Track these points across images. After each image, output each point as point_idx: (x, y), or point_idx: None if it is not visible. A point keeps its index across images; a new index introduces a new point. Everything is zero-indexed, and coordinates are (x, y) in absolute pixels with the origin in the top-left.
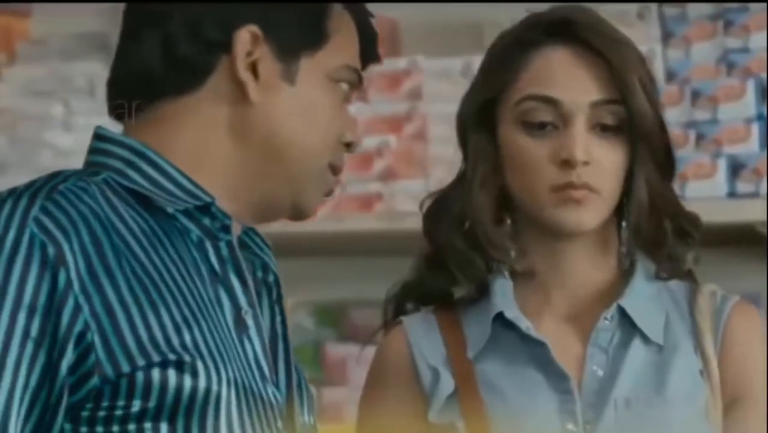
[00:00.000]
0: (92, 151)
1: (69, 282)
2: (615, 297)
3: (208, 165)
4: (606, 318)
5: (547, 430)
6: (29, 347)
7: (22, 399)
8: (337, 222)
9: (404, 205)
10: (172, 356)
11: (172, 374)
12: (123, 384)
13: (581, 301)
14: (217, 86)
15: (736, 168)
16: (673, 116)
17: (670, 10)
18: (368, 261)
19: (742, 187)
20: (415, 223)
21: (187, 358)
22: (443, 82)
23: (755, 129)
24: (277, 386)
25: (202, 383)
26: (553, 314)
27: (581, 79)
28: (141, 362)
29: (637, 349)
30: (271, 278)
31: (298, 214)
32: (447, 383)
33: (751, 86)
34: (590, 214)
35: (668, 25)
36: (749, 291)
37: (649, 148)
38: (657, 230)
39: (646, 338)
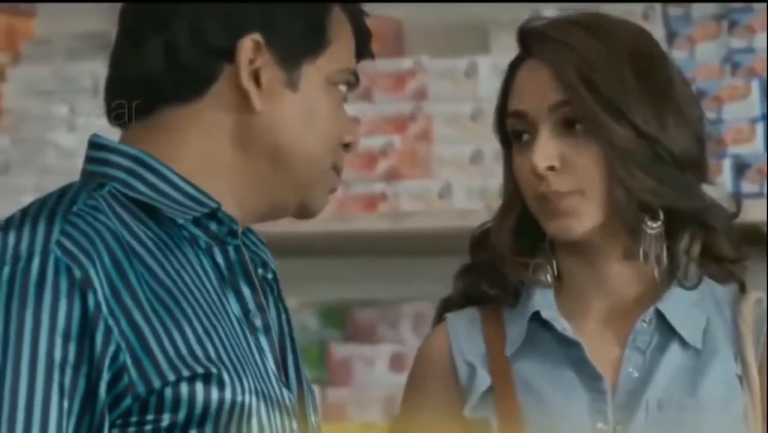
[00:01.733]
0: (91, 160)
1: (98, 304)
2: (654, 301)
3: (213, 173)
4: (644, 321)
5: (578, 429)
6: (69, 373)
7: (68, 428)
8: (342, 222)
9: (408, 205)
10: (199, 369)
11: (200, 386)
12: (152, 400)
13: (621, 305)
14: (220, 94)
15: (740, 168)
16: None
17: (675, 10)
18: (373, 261)
19: (747, 187)
20: (419, 223)
21: (213, 370)
22: (448, 83)
23: (760, 129)
24: (288, 386)
25: (228, 394)
26: (592, 317)
27: (541, 86)
28: (171, 377)
29: (674, 352)
30: (270, 275)
31: (305, 214)
32: (483, 380)
33: (755, 86)
34: (576, 220)
35: (672, 25)
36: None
37: (609, 143)
38: (680, 235)
39: (684, 342)
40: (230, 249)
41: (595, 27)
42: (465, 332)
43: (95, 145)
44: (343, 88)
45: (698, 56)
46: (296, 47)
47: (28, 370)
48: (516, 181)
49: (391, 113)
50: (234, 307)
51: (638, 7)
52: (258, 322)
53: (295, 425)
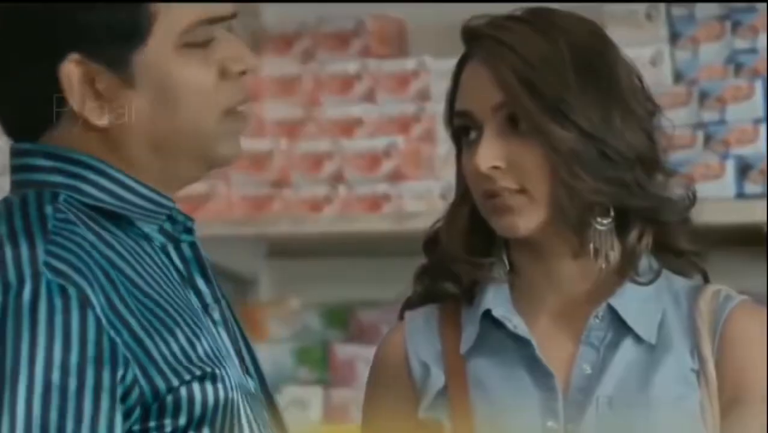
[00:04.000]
0: (25, 168)
1: (98, 320)
2: (608, 296)
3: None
4: (596, 317)
5: (529, 428)
6: (104, 398)
7: None
8: (345, 223)
9: (412, 205)
10: (197, 371)
11: (197, 387)
12: (154, 407)
13: (574, 301)
14: (72, 119)
15: (744, 169)
16: (681, 117)
17: (678, 10)
18: (376, 262)
19: (751, 188)
20: (422, 223)
21: (208, 369)
22: None
23: (763, 130)
24: (250, 375)
25: (221, 391)
26: (546, 313)
27: (484, 87)
28: (175, 382)
29: (627, 348)
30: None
31: (221, 165)
32: (437, 379)
33: (759, 87)
34: (521, 217)
35: (676, 25)
36: (757, 291)
37: (550, 145)
38: (632, 233)
39: (638, 337)
40: (185, 246)
41: (537, 23)
42: (421, 331)
43: (25, 152)
44: (202, 34)
45: (702, 57)
46: (116, 48)
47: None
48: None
49: (395, 114)
50: (194, 302)
51: (642, 8)
52: (216, 315)
53: (265, 413)
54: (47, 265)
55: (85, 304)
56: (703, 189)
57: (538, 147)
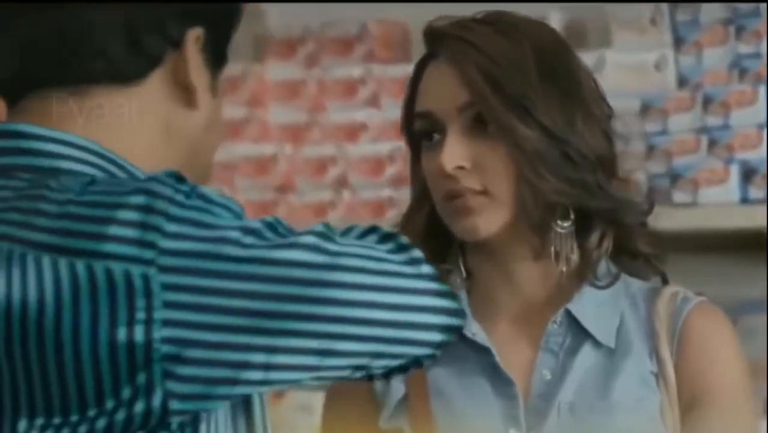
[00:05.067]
0: (35, 153)
1: None
2: (566, 301)
3: (138, 161)
4: (554, 322)
5: None
6: None
7: None
8: None
9: None
10: None
11: None
12: None
13: (533, 306)
14: (161, 83)
15: (748, 174)
16: (685, 122)
17: (682, 15)
18: None
19: (755, 193)
20: None
21: None
22: None
23: (767, 135)
24: None
25: None
26: (504, 319)
27: (448, 87)
28: None
29: (586, 352)
30: None
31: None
32: (397, 389)
33: (763, 92)
34: (483, 219)
35: (680, 30)
36: (762, 296)
37: (516, 143)
38: (591, 236)
39: (596, 342)
40: None
41: (500, 25)
42: None
43: (30, 135)
44: None
45: (706, 61)
46: (221, 55)
47: None
48: (423, 183)
49: (399, 118)
50: None
51: (646, 13)
52: None
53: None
54: (165, 175)
55: None
56: (707, 194)
57: (503, 147)
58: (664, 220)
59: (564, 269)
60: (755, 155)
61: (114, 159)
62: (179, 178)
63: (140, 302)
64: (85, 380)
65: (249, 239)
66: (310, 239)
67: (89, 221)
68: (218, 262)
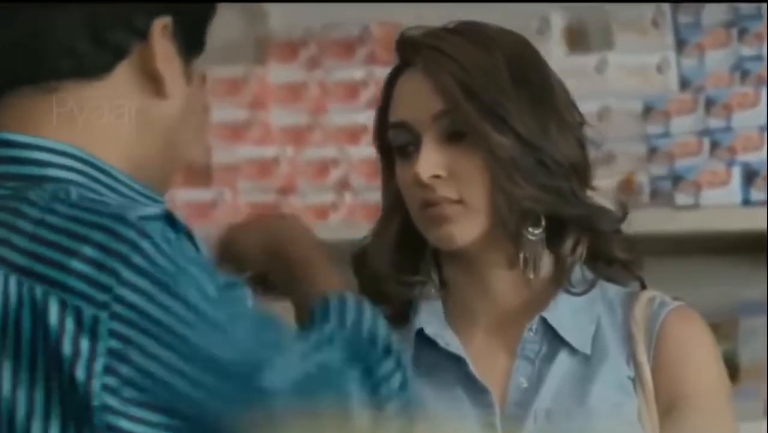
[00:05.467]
0: (14, 161)
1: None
2: (541, 308)
3: (112, 157)
4: (530, 330)
5: None
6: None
7: None
8: (351, 230)
9: None
10: None
11: None
12: None
13: (509, 314)
14: (129, 75)
15: (750, 176)
16: (687, 124)
17: (684, 17)
18: None
19: (756, 195)
20: None
21: None
22: None
23: None
24: None
25: None
26: (480, 327)
27: (423, 96)
28: None
29: (562, 359)
30: None
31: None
32: None
33: (765, 94)
34: (459, 228)
35: (682, 32)
36: (763, 298)
37: (490, 151)
38: (563, 242)
39: (572, 349)
40: None
41: (472, 34)
42: None
43: (17, 144)
44: None
45: (708, 64)
46: (194, 41)
47: None
48: (395, 194)
49: None
50: None
51: (648, 15)
52: None
53: None
54: (139, 218)
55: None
56: (709, 196)
57: (478, 156)
58: (666, 222)
59: (532, 276)
60: (757, 157)
61: (98, 164)
62: (171, 220)
63: (85, 343)
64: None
65: (201, 324)
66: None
67: (57, 248)
68: (167, 334)
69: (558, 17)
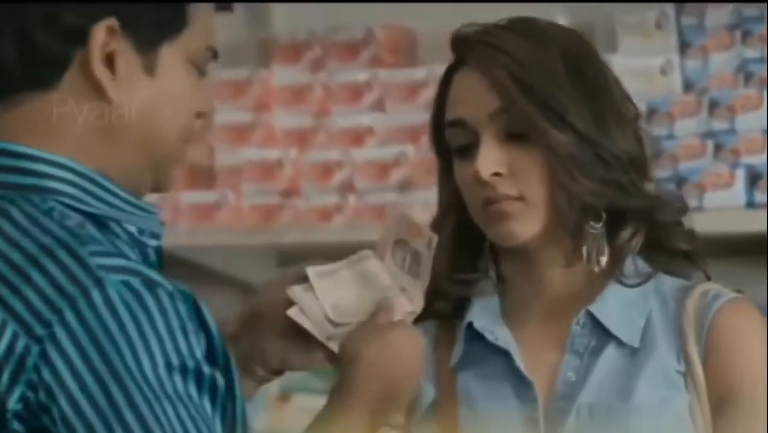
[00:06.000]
0: (7, 170)
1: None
2: (592, 301)
3: (95, 166)
4: (577, 324)
5: None
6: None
7: None
8: (355, 232)
9: (422, 215)
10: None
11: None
12: None
13: (561, 307)
14: (75, 82)
15: (754, 178)
16: (691, 126)
17: (688, 20)
18: None
19: (760, 197)
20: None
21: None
22: None
23: None
24: None
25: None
26: (533, 321)
27: (479, 94)
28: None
29: (609, 353)
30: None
31: (158, 190)
32: (427, 394)
33: None
34: (519, 224)
35: (686, 35)
36: (759, 301)
37: (550, 148)
38: (624, 235)
39: (620, 342)
40: (150, 251)
41: (525, 30)
42: None
43: (13, 153)
44: (203, 61)
45: (711, 66)
46: (154, 31)
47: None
48: (453, 192)
49: (405, 123)
50: None
51: (651, 17)
52: None
53: None
54: (101, 267)
55: (153, 285)
56: (712, 198)
57: (536, 152)
58: None
59: (596, 269)
60: (761, 160)
61: (90, 176)
62: (146, 280)
63: (10, 366)
64: None
65: (119, 398)
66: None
67: (17, 271)
68: (81, 395)
69: (562, 20)
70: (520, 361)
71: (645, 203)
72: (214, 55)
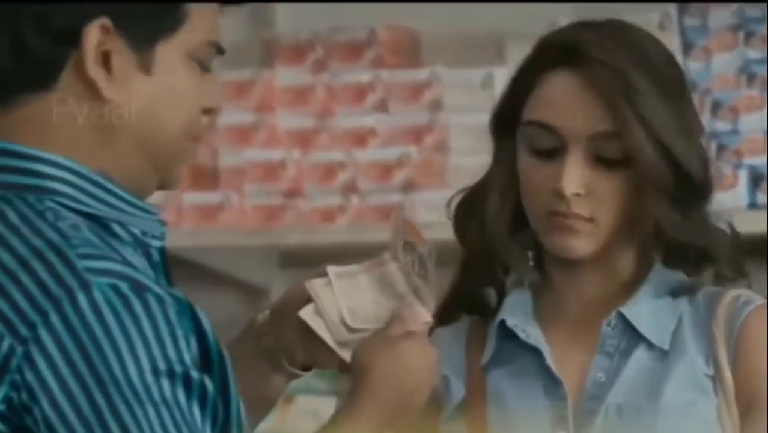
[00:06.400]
0: (15, 170)
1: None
2: (623, 302)
3: (83, 162)
4: (608, 324)
5: None
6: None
7: None
8: (358, 233)
9: (425, 216)
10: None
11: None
12: None
13: (594, 309)
14: (71, 82)
15: (756, 179)
16: None
17: (691, 20)
18: None
19: (762, 198)
20: (435, 233)
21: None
22: (464, 94)
23: None
24: None
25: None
26: (566, 322)
27: (583, 108)
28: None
29: (639, 355)
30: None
31: (164, 188)
32: (456, 392)
33: None
34: (583, 242)
35: (689, 35)
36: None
37: (651, 182)
38: (676, 255)
39: (650, 344)
40: (154, 251)
41: (634, 48)
42: (447, 345)
43: (12, 153)
44: (205, 57)
45: (714, 67)
46: (148, 29)
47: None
48: (511, 176)
49: (408, 124)
50: None
51: (654, 18)
52: None
53: None
54: (89, 270)
55: (141, 290)
56: (715, 199)
57: (620, 179)
58: None
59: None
60: (763, 161)
61: (89, 176)
62: (134, 284)
63: None
64: None
65: (101, 401)
66: None
67: (5, 272)
68: (63, 397)
69: (565, 20)
70: (550, 360)
71: (707, 243)
72: (219, 50)
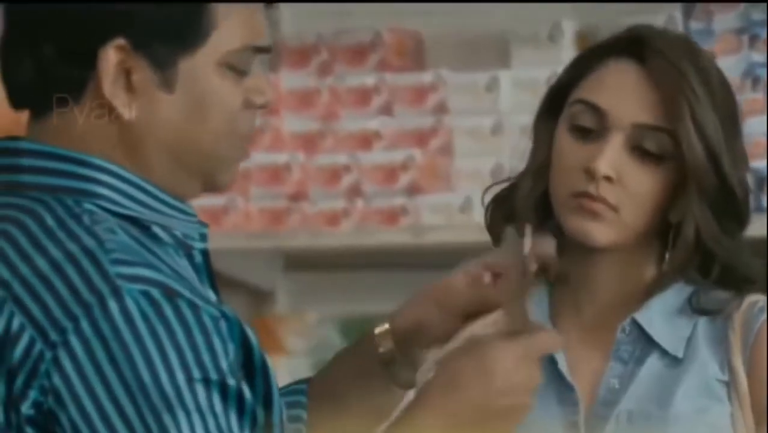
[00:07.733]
0: (49, 172)
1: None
2: (638, 308)
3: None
4: (623, 331)
5: None
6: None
7: None
8: (363, 236)
9: (429, 219)
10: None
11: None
12: None
13: (610, 314)
14: (95, 102)
15: (760, 182)
16: None
17: (696, 24)
18: (393, 275)
19: (766, 201)
20: (440, 236)
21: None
22: (468, 97)
23: None
24: None
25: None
26: (581, 325)
27: (634, 97)
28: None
29: (653, 362)
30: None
31: (215, 190)
32: None
33: None
34: (603, 229)
35: (693, 38)
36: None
37: (698, 185)
38: (703, 270)
39: (664, 351)
40: (196, 253)
41: (698, 59)
42: None
43: (53, 155)
44: (240, 62)
45: None
46: (168, 48)
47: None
48: (545, 155)
49: (412, 127)
50: None
51: (659, 21)
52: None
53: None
54: (121, 276)
55: (173, 296)
56: None
57: (653, 174)
58: None
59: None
60: (766, 164)
61: (129, 178)
62: (166, 290)
63: (25, 371)
64: None
65: (129, 409)
66: None
67: (39, 276)
68: (91, 404)
69: (570, 23)
70: (564, 365)
71: (735, 263)
72: (262, 50)
